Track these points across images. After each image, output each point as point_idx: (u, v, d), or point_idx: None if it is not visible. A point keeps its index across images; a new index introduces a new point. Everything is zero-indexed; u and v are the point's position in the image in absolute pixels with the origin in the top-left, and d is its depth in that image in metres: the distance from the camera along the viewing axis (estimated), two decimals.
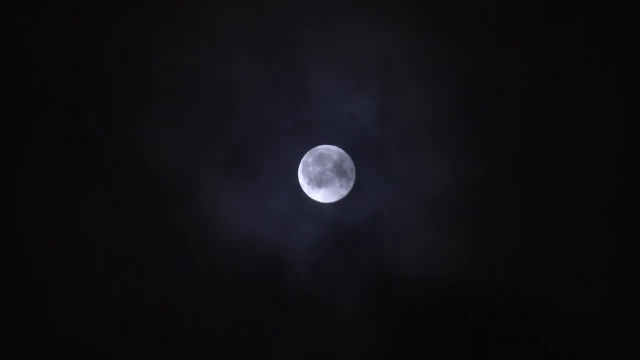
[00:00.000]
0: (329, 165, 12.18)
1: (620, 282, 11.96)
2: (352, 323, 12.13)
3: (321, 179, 12.15)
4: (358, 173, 12.28)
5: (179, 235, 12.07)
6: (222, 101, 12.27)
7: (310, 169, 12.16)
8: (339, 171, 12.19)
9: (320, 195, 12.20)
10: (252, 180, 12.25)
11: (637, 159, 12.10)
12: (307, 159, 12.18)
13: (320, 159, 12.19)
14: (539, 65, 12.21)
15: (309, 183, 12.17)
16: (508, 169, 12.21)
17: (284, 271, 12.16)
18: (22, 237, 11.90)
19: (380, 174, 12.32)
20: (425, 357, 11.95)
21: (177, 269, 12.06)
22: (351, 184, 12.23)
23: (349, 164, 12.22)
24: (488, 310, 11.93)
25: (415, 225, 12.22)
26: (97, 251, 11.97)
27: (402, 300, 12.11)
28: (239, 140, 12.27)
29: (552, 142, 12.21)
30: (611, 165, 12.13)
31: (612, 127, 12.15)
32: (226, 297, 12.10)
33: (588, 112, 12.16)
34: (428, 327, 12.01)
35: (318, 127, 12.26)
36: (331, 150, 12.22)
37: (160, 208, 12.10)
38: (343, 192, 12.24)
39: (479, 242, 12.14)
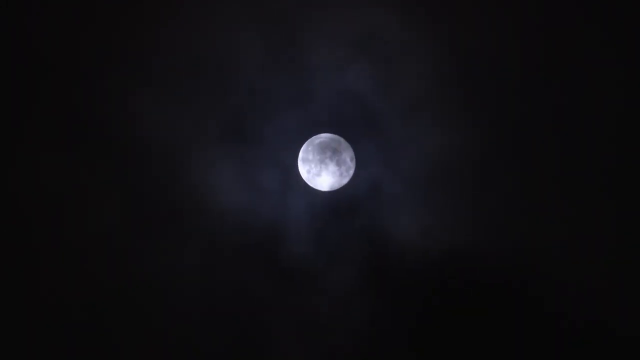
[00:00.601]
0: (329, 153, 12.17)
1: (621, 254, 11.96)
2: (350, 294, 12.13)
3: (321, 167, 12.15)
4: (356, 143, 12.20)
5: (173, 208, 12.03)
6: (217, 74, 12.20)
7: (311, 157, 12.16)
8: (339, 160, 12.18)
9: (320, 184, 12.21)
10: (247, 153, 12.22)
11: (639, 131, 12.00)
12: (307, 147, 12.17)
13: (320, 148, 12.18)
14: (539, 35, 12.13)
15: (308, 172, 12.17)
16: (508, 140, 12.17)
17: (281, 243, 12.14)
18: (18, 202, 11.91)
19: (379, 146, 12.29)
20: (423, 329, 11.95)
21: (172, 241, 12.05)
22: (351, 172, 12.22)
23: (349, 153, 12.21)
24: (486, 281, 11.93)
25: (414, 196, 12.20)
26: (90, 223, 11.94)
27: (399, 272, 12.10)
28: (234, 113, 12.22)
29: (552, 113, 12.15)
30: (612, 136, 12.06)
31: (612, 96, 12.09)
32: (222, 270, 12.09)
33: (588, 83, 12.08)
34: (426, 299, 12.02)
35: (315, 100, 12.22)
36: (331, 139, 12.21)
37: (155, 180, 12.05)
38: (343, 181, 12.25)
39: (478, 214, 12.13)
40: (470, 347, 11.91)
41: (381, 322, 12.07)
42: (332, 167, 12.19)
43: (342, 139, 12.24)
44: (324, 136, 12.24)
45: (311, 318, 12.16)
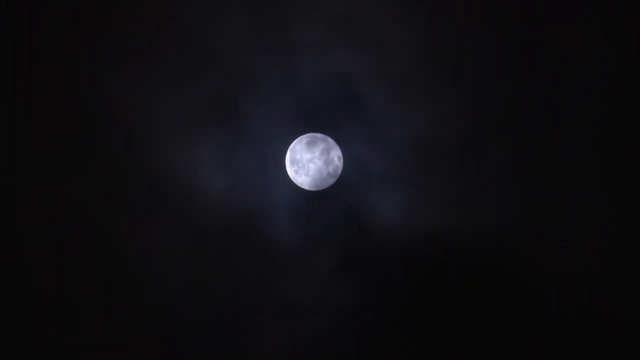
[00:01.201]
0: (317, 153, 12.28)
1: (614, 233, 11.95)
2: (334, 275, 12.11)
3: (309, 167, 12.24)
4: (342, 122, 12.23)
5: (155, 188, 11.99)
6: (201, 50, 12.17)
7: (298, 156, 12.27)
8: (327, 159, 12.28)
9: (307, 183, 12.31)
10: (231, 132, 12.17)
11: (634, 105, 12.07)
12: (295, 146, 12.29)
13: (308, 147, 12.29)
14: (523, 7, 12.14)
15: (296, 172, 12.27)
16: (499, 115, 12.13)
17: (264, 223, 12.15)
18: None
19: (364, 123, 12.24)
20: (408, 309, 11.97)
21: (154, 222, 12.00)
22: (339, 172, 12.33)
23: (336, 152, 12.31)
24: (474, 261, 11.92)
25: (399, 174, 12.16)
26: (70, 204, 11.87)
27: (383, 252, 12.07)
28: (219, 90, 12.17)
29: (539, 90, 12.11)
30: (606, 110, 12.04)
31: (599, 71, 12.08)
32: (205, 250, 12.07)
33: (580, 55, 12.08)
34: (412, 279, 12.01)
35: (300, 77, 12.26)
36: (319, 138, 12.32)
37: (134, 158, 11.99)
38: (330, 181, 12.35)
39: (466, 191, 12.10)
40: (455, 327, 11.92)
41: (366, 302, 12.03)
42: (319, 166, 12.29)
43: (329, 138, 12.33)
44: (312, 135, 12.34)
45: (295, 299, 12.16)
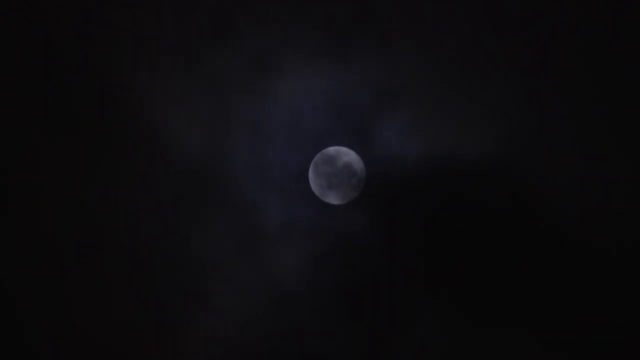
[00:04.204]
0: (340, 166, 12.31)
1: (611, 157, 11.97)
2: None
3: (331, 181, 12.30)
4: (346, 35, 12.12)
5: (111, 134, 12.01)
6: None
7: (320, 170, 12.31)
8: (349, 172, 12.34)
9: (333, 197, 12.43)
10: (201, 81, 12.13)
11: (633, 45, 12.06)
12: (318, 160, 12.32)
13: (330, 161, 12.32)
14: None
15: (320, 185, 12.35)
16: (495, 42, 12.04)
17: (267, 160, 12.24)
18: None
19: (372, 42, 12.11)
20: (406, 235, 12.02)
21: (111, 175, 12.00)
22: (362, 184, 12.39)
23: (359, 164, 12.35)
24: (473, 186, 11.94)
25: (392, 100, 12.10)
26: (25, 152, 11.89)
27: (382, 180, 12.13)
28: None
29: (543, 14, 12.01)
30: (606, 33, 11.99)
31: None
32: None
33: None
34: (410, 205, 12.04)
35: None
36: (342, 152, 12.34)
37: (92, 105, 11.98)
38: (354, 194, 12.45)
39: (462, 116, 12.02)
40: (455, 251, 11.94)
41: (368, 231, 12.10)
42: (342, 180, 12.34)
43: (352, 151, 12.32)
44: (333, 149, 12.33)
45: (302, 225, 12.25)
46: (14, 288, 11.62)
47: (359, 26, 11.92)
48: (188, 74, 11.90)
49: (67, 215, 11.63)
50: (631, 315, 11.65)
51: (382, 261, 11.95)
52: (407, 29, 11.94)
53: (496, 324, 11.78)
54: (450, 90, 11.94)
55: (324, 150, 12.25)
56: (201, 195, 11.81)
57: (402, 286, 11.84)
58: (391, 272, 11.93)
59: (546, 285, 11.79)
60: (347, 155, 12.23)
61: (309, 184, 12.15)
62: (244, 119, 11.96)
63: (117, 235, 11.77)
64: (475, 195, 11.85)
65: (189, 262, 11.90)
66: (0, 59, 11.59)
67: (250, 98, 11.88)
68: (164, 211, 11.75)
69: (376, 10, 11.84)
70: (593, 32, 11.81)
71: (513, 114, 11.94)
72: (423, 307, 11.88)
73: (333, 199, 12.17)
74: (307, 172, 12.15)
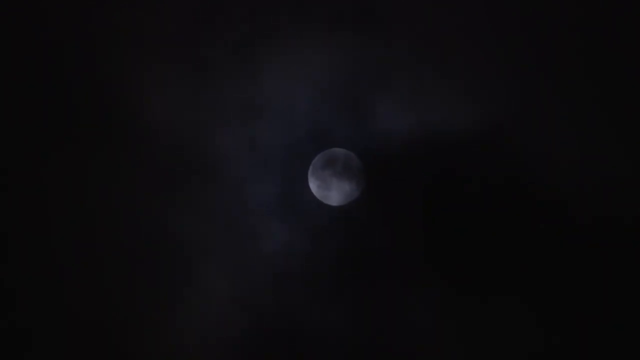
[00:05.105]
0: (338, 167, 12.27)
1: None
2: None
3: (331, 181, 12.24)
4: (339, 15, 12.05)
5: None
6: None
7: (319, 172, 12.28)
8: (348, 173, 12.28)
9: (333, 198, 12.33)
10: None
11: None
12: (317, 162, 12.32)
13: (328, 163, 12.30)
14: None
15: (319, 186, 12.29)
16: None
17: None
18: None
19: (366, 20, 12.09)
20: (396, 208, 11.93)
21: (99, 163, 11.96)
22: (361, 183, 12.29)
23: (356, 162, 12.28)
24: (473, 166, 11.86)
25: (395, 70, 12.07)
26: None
27: (372, 155, 12.03)
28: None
29: None
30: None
31: None
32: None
33: None
34: (400, 180, 11.96)
35: None
36: (339, 153, 12.34)
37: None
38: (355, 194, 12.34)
39: (468, 87, 11.98)
40: (450, 225, 11.88)
41: (363, 206, 11.99)
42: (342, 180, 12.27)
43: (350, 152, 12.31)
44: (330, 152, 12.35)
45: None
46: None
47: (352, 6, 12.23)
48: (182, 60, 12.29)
49: (55, 196, 11.73)
50: (627, 290, 11.54)
51: (378, 237, 11.86)
52: (399, 8, 12.09)
53: (490, 300, 11.66)
54: (442, 65, 12.05)
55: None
56: (189, 175, 11.85)
57: (398, 262, 11.59)
58: (387, 248, 11.77)
59: (539, 259, 11.68)
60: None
61: (300, 162, 12.16)
62: (234, 100, 12.13)
63: (105, 218, 11.79)
64: (469, 171, 11.83)
65: (175, 243, 11.84)
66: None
67: (240, 82, 12.12)
68: (156, 196, 11.80)
69: None
70: (583, 4, 12.04)
71: (506, 88, 11.97)
72: (420, 284, 11.76)
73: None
74: (298, 150, 12.18)
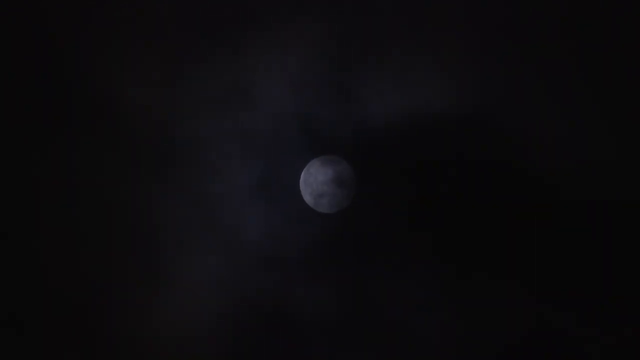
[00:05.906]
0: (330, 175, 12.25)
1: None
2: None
3: (322, 189, 12.24)
4: None
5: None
6: None
7: (312, 179, 12.28)
8: (340, 182, 12.26)
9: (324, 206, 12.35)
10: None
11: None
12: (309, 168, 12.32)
13: (321, 169, 12.30)
14: None
15: (311, 194, 12.29)
16: None
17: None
18: None
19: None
20: (385, 191, 11.92)
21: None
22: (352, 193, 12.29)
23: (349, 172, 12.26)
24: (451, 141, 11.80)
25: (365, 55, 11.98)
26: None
27: (361, 138, 11.98)
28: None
29: None
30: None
31: None
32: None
33: None
34: (397, 168, 11.92)
35: None
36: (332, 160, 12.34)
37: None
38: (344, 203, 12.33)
39: (464, 69, 11.89)
40: (433, 208, 11.85)
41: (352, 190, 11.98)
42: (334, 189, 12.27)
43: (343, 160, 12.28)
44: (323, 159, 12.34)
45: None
46: None
47: None
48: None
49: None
50: (620, 268, 11.63)
51: (365, 220, 11.85)
52: None
53: (483, 277, 11.76)
54: (431, 45, 11.94)
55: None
56: (171, 162, 11.91)
57: (389, 239, 11.63)
58: (374, 232, 11.74)
59: (528, 235, 11.75)
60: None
61: (283, 147, 12.15)
62: (215, 86, 12.12)
63: (88, 205, 11.85)
64: (459, 155, 11.79)
65: (157, 229, 11.86)
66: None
67: (218, 66, 12.11)
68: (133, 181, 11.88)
69: None
70: None
71: (493, 68, 11.85)
72: (411, 260, 11.80)
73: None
74: (282, 134, 12.17)
